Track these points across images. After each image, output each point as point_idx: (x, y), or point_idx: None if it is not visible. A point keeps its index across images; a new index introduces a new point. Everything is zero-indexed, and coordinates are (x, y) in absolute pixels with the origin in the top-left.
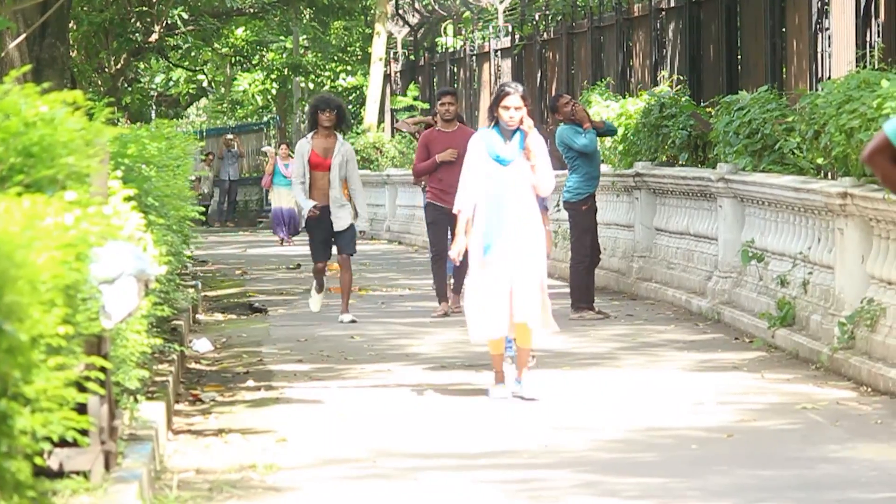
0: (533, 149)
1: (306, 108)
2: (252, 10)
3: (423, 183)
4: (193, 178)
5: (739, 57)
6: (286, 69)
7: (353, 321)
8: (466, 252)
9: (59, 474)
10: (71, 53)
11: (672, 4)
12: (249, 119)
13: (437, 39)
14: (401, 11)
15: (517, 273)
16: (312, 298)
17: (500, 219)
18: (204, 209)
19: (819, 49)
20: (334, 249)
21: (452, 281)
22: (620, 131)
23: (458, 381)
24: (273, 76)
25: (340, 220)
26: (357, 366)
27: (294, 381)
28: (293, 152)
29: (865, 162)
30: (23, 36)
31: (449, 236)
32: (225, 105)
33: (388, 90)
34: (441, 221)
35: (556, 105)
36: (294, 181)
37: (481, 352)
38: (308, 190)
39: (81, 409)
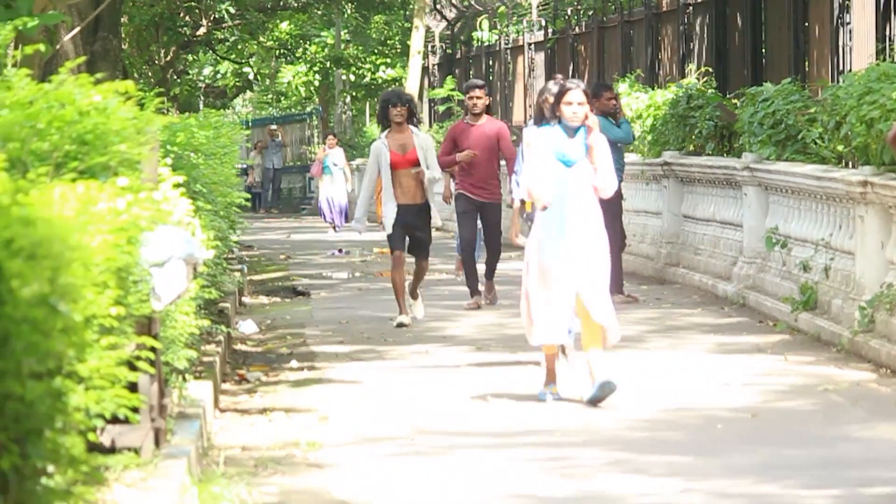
0: (596, 147)
1: (378, 105)
2: (296, 5)
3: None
4: (245, 166)
5: (764, 50)
6: (328, 62)
7: (417, 317)
8: (489, 237)
9: (112, 450)
10: (123, 46)
11: (699, 0)
12: (293, 110)
13: (473, 33)
14: (438, 6)
15: (585, 281)
16: (416, 307)
17: (563, 222)
18: (250, 196)
19: (840, 43)
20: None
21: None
22: (649, 122)
23: (495, 362)
24: (316, 68)
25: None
26: (396, 347)
27: (335, 362)
28: (339, 142)
29: (890, 144)
30: (77, 29)
31: (479, 226)
32: (270, 96)
33: (426, 82)
34: (471, 211)
35: (599, 93)
36: (364, 186)
37: (516, 334)
38: (393, 190)
39: (132, 387)
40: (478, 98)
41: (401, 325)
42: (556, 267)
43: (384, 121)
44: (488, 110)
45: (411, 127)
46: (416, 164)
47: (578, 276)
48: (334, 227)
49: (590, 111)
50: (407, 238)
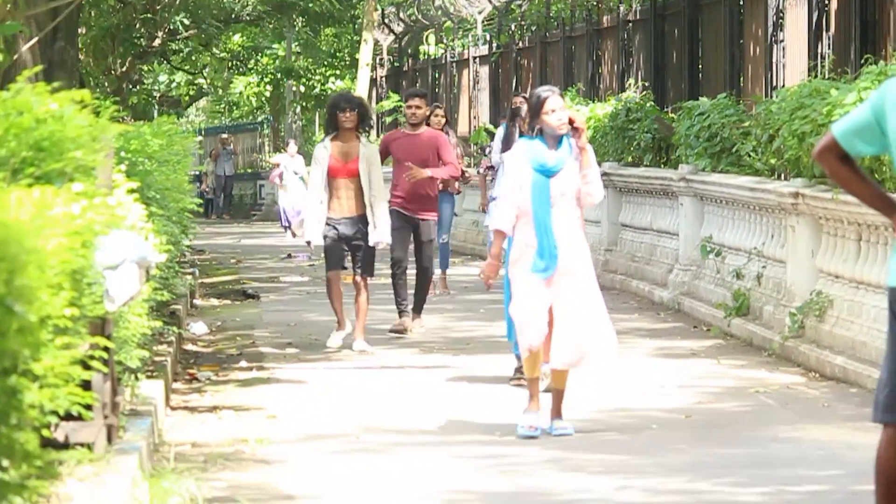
0: (587, 149)
1: (326, 107)
2: (249, 18)
3: None
4: (198, 173)
5: (700, 66)
6: (279, 73)
7: (364, 352)
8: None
9: (65, 446)
10: (80, 56)
11: (638, 17)
12: (244, 119)
13: (420, 47)
14: (387, 21)
15: (568, 307)
16: (333, 336)
17: (547, 235)
18: (203, 202)
19: (774, 59)
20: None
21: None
22: (589, 134)
23: (438, 364)
24: (267, 79)
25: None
26: (343, 349)
27: (284, 363)
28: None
29: (815, 159)
30: (35, 39)
31: (412, 244)
32: (222, 106)
33: (374, 94)
34: (404, 228)
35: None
36: (310, 194)
37: (460, 337)
38: (329, 202)
39: (86, 385)
40: (417, 108)
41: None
42: (542, 280)
43: (332, 126)
44: (429, 121)
45: (362, 136)
46: (356, 175)
47: (563, 301)
48: (288, 231)
49: (573, 113)
50: (345, 253)
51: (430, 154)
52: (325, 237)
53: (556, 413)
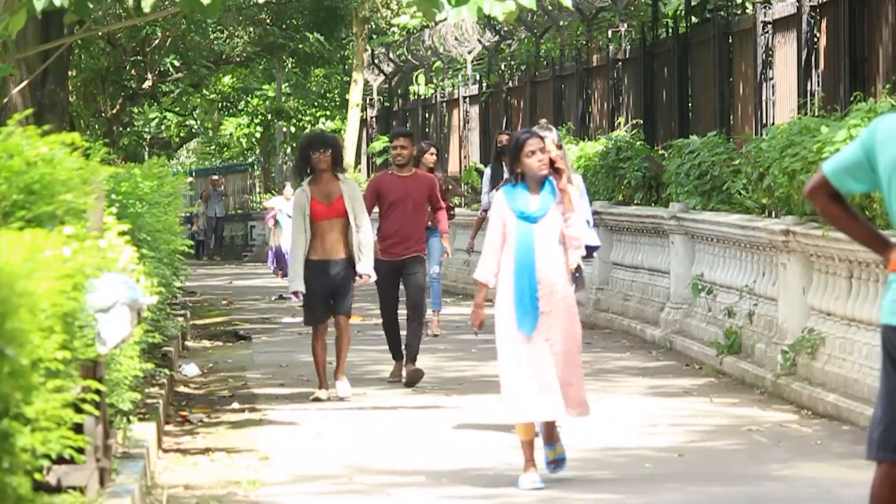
0: (568, 192)
1: (297, 149)
2: (239, 59)
3: None
4: (189, 214)
5: (690, 104)
6: (269, 114)
7: (346, 398)
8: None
9: (58, 489)
10: (70, 99)
11: (628, 56)
12: (235, 160)
13: (409, 87)
14: (376, 61)
15: (558, 358)
16: (317, 392)
17: (532, 286)
18: (194, 243)
19: (764, 97)
20: None
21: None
22: (580, 173)
23: (430, 404)
24: (257, 120)
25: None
26: (334, 390)
27: (276, 404)
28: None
29: (806, 197)
30: (25, 82)
31: (400, 293)
32: (212, 147)
33: (364, 134)
34: (391, 283)
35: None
36: (293, 242)
37: (452, 377)
38: (311, 243)
39: (78, 428)
40: (402, 148)
41: (317, 399)
42: (532, 338)
43: (305, 167)
44: (417, 163)
45: (339, 175)
46: (342, 214)
47: (554, 352)
48: (279, 272)
49: (558, 153)
50: (329, 300)
51: (426, 195)
52: (307, 284)
53: (550, 439)
